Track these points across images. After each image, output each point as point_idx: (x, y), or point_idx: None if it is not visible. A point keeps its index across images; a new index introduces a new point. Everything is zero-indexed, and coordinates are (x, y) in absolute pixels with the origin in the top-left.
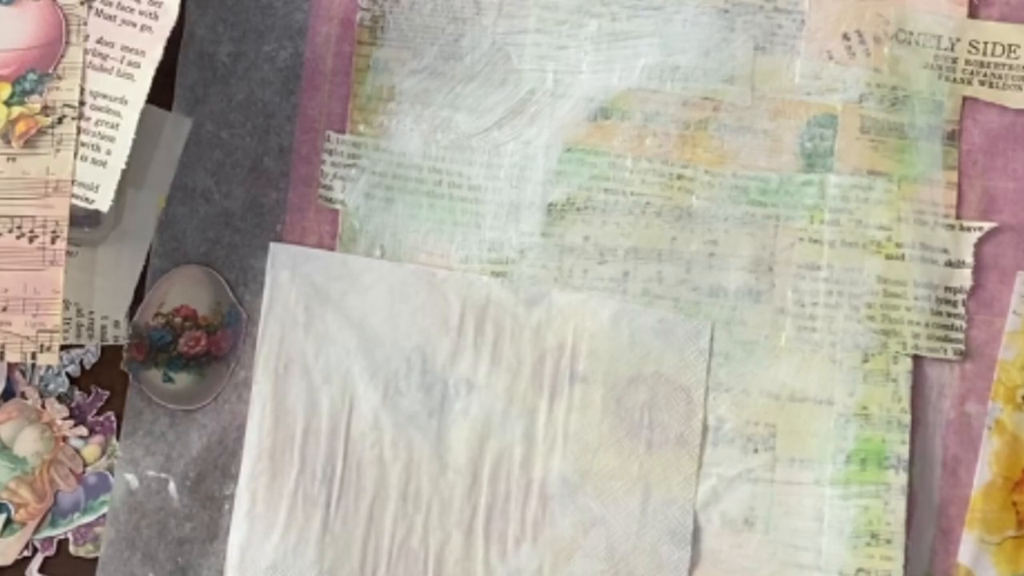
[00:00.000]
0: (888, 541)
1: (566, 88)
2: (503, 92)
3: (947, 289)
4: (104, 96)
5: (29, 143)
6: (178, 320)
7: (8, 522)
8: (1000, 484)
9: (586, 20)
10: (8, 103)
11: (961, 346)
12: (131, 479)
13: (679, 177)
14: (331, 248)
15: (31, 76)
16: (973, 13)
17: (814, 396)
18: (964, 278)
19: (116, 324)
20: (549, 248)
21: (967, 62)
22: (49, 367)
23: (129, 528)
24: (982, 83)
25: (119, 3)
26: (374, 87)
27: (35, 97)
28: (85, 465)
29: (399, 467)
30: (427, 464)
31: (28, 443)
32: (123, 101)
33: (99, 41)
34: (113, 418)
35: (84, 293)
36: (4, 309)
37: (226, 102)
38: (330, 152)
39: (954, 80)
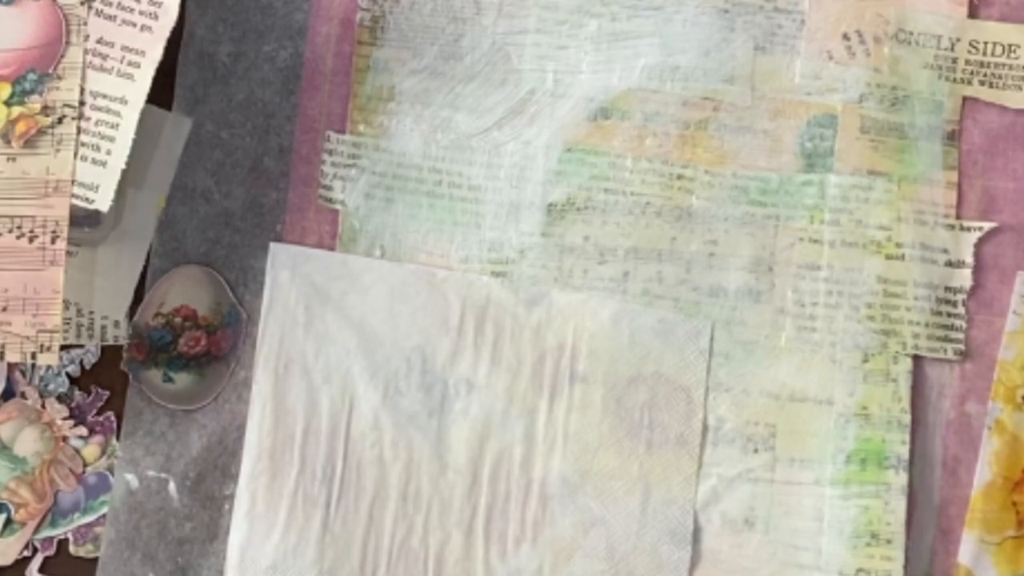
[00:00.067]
0: (888, 541)
1: (566, 88)
2: (503, 92)
3: (947, 289)
4: (104, 96)
5: (29, 143)
6: (178, 320)
7: (8, 522)
8: (1000, 484)
9: (586, 20)
10: (8, 103)
11: (961, 346)
12: (131, 479)
13: (679, 177)
14: (331, 248)
15: (31, 76)
16: (973, 13)
17: (814, 396)
18: (964, 278)
19: (116, 324)
20: (549, 248)
21: (967, 62)
22: (49, 367)
23: (129, 528)
24: (982, 83)
25: (119, 3)
26: (374, 87)
27: (35, 97)
28: (85, 465)
29: (399, 467)
30: (427, 464)
31: (28, 443)
32: (123, 101)
33: (99, 41)
34: (113, 418)
35: (84, 293)
36: (4, 309)
37: (226, 102)
38: (330, 152)
39: (954, 80)
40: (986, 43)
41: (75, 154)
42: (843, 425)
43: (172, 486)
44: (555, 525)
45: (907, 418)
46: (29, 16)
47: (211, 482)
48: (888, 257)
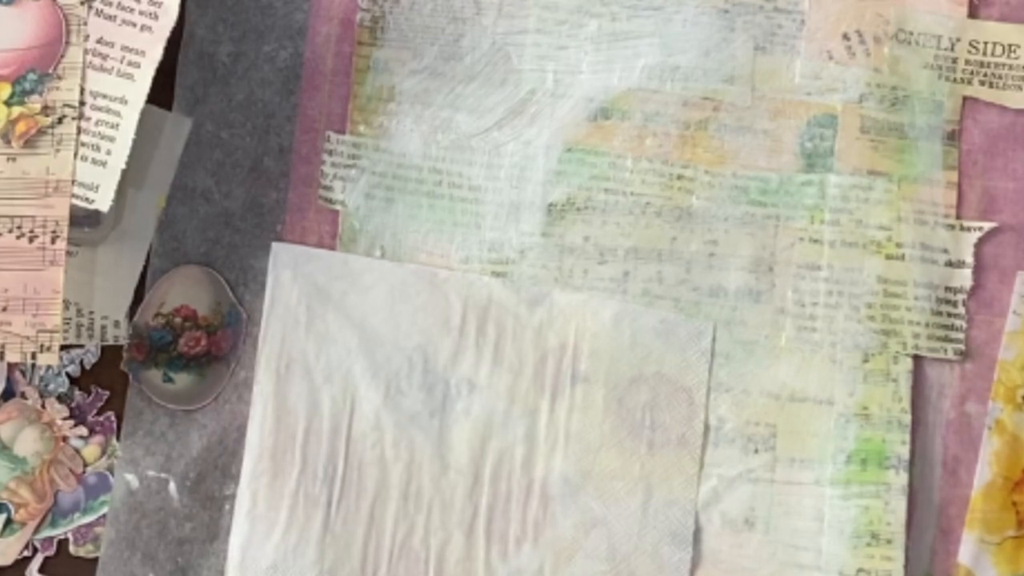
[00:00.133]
0: (888, 541)
1: (566, 88)
2: (503, 92)
3: (947, 289)
4: (104, 96)
5: (29, 143)
6: (178, 320)
7: (8, 522)
8: (1000, 484)
9: (586, 20)
10: (8, 103)
11: (961, 346)
12: (131, 479)
13: (679, 177)
14: (331, 248)
15: (31, 76)
16: (973, 13)
17: (814, 396)
18: (964, 278)
19: (116, 324)
20: (549, 248)
21: (967, 62)
22: (49, 367)
23: (129, 528)
24: (982, 83)
25: (119, 3)
26: (374, 87)
27: (35, 97)
28: (85, 465)
29: (400, 467)
30: (428, 464)
31: (28, 443)
32: (123, 101)
33: (99, 41)
34: (113, 418)
35: (84, 293)
36: (4, 309)
37: (226, 102)
38: (330, 152)
39: (954, 80)
40: (986, 43)
41: (75, 154)
42: (843, 425)
43: (172, 486)
44: (556, 525)
45: (907, 418)
46: (29, 16)
47: (211, 482)
48: (888, 257)
